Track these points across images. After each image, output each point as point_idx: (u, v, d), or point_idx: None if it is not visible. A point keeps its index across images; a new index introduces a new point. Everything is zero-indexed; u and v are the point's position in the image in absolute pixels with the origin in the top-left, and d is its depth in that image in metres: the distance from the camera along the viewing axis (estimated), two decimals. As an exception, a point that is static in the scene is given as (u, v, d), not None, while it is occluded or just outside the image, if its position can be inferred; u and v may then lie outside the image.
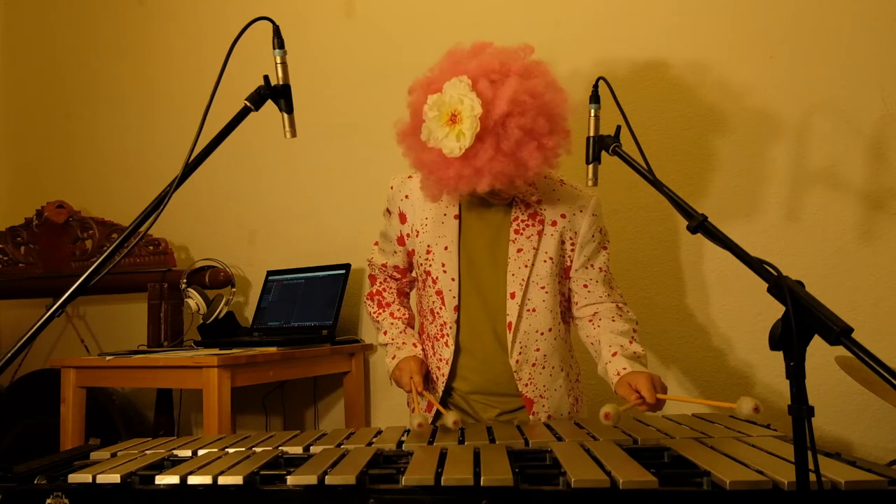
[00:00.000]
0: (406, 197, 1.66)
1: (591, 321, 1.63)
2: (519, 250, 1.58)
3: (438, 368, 1.63)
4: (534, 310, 1.58)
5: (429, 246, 1.62)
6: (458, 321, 1.60)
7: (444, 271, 1.60)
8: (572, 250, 1.61)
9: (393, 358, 1.66)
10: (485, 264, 1.60)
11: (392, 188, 1.69)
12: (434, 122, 1.39)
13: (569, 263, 1.62)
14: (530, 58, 1.46)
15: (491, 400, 1.63)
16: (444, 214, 1.62)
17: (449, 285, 1.60)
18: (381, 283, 1.81)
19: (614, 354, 1.52)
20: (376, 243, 1.81)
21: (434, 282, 1.61)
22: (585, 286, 1.63)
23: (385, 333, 1.73)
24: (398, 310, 1.76)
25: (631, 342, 1.55)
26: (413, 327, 1.77)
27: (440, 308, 1.61)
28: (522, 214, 1.59)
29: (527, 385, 1.59)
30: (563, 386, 1.63)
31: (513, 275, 1.57)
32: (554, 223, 1.59)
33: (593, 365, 1.63)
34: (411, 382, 1.56)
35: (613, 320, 1.60)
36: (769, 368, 2.04)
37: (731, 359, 2.10)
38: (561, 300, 1.63)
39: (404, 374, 1.60)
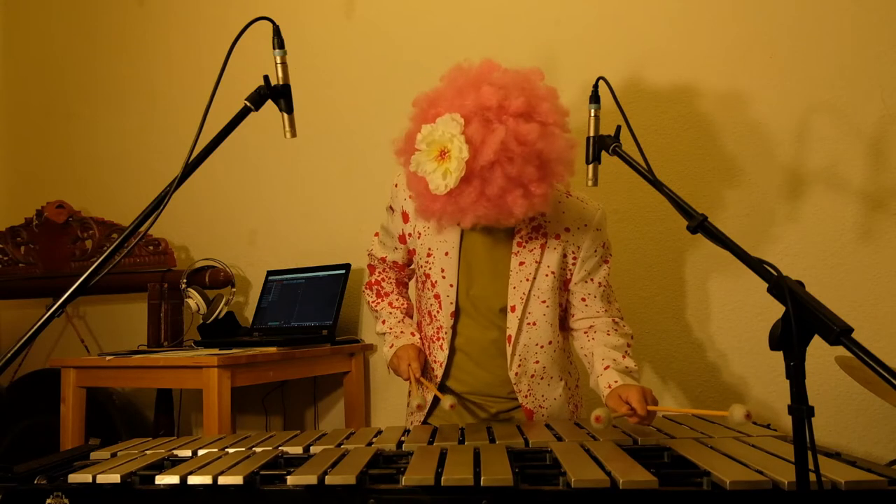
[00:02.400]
0: (410, 197, 1.64)
1: (586, 333, 1.62)
2: (521, 263, 1.56)
3: (433, 370, 1.63)
4: (534, 323, 1.57)
5: (430, 249, 1.62)
6: (453, 327, 1.60)
7: (444, 276, 1.60)
8: (573, 264, 1.59)
9: (391, 346, 1.66)
10: (484, 272, 1.59)
11: (396, 186, 1.68)
12: (423, 156, 1.39)
13: (569, 276, 1.61)
14: (538, 86, 1.43)
15: (487, 400, 1.63)
16: None
17: (447, 291, 1.59)
18: (379, 272, 1.81)
19: (606, 368, 1.50)
20: (377, 234, 1.80)
21: (433, 285, 1.61)
22: (584, 300, 1.62)
23: (383, 322, 1.73)
24: (397, 299, 1.76)
25: (624, 357, 1.54)
26: (411, 317, 1.77)
27: (437, 311, 1.61)
28: (526, 227, 1.57)
29: (526, 396, 1.59)
30: (562, 395, 1.63)
31: (514, 288, 1.56)
32: (557, 237, 1.57)
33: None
34: (409, 370, 1.56)
35: (608, 334, 1.59)
36: (769, 368, 2.04)
37: (731, 359, 2.09)
38: (560, 311, 1.63)
39: (402, 361, 1.60)
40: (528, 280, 1.56)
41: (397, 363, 1.62)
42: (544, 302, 1.57)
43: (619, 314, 1.65)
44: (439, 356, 1.61)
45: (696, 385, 2.13)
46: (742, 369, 2.08)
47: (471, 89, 1.40)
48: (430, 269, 1.62)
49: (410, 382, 1.59)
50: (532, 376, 1.59)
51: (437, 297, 1.61)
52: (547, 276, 1.57)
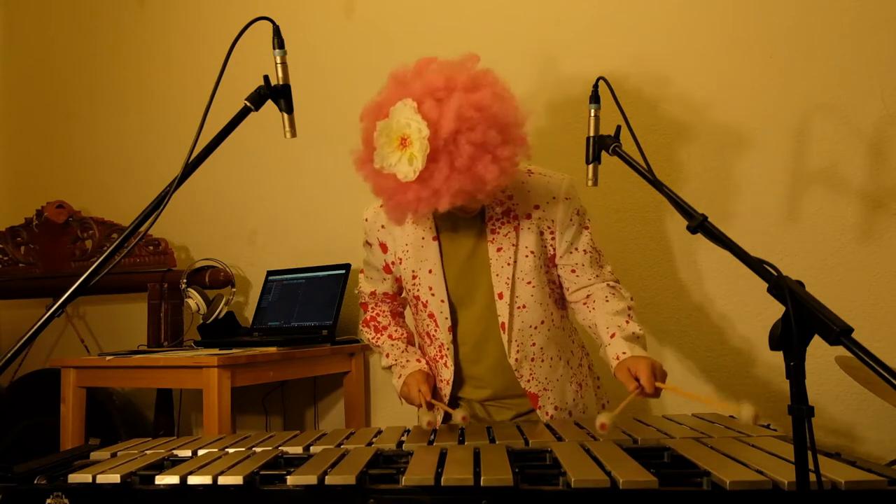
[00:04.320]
0: (383, 227, 1.64)
1: (585, 304, 1.60)
2: (499, 249, 1.57)
3: (440, 389, 1.63)
4: (524, 306, 1.57)
5: (413, 271, 1.61)
6: (454, 341, 1.60)
7: (433, 294, 1.59)
8: (553, 238, 1.59)
9: (399, 377, 1.65)
10: (472, 274, 1.59)
11: (367, 220, 1.67)
12: (385, 149, 1.37)
13: (552, 252, 1.60)
14: (476, 68, 1.44)
15: (506, 403, 1.63)
16: (423, 238, 1.60)
17: (439, 307, 1.59)
18: (373, 308, 1.80)
19: (612, 336, 1.49)
20: (362, 271, 1.79)
21: (425, 305, 1.61)
22: (573, 271, 1.60)
23: (387, 356, 1.72)
24: (396, 331, 1.76)
25: (628, 321, 1.53)
26: (414, 345, 1.77)
27: (435, 330, 1.61)
28: (496, 213, 1.58)
29: (529, 381, 1.59)
30: (563, 375, 1.63)
31: (497, 275, 1.56)
32: (528, 216, 1.57)
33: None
34: (420, 395, 1.55)
35: (607, 300, 1.57)
36: (769, 368, 2.04)
37: (731, 359, 2.09)
38: (553, 288, 1.62)
39: (412, 388, 1.58)
40: (509, 264, 1.56)
41: (407, 391, 1.60)
42: (529, 283, 1.57)
43: (614, 277, 1.63)
44: (445, 374, 1.61)
45: (696, 385, 2.12)
46: (742, 369, 2.08)
47: (414, 78, 1.41)
48: (418, 290, 1.61)
49: (422, 407, 1.57)
50: (532, 359, 1.59)
51: (431, 316, 1.60)
52: (527, 256, 1.56)
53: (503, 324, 1.56)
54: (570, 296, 1.64)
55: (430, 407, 1.55)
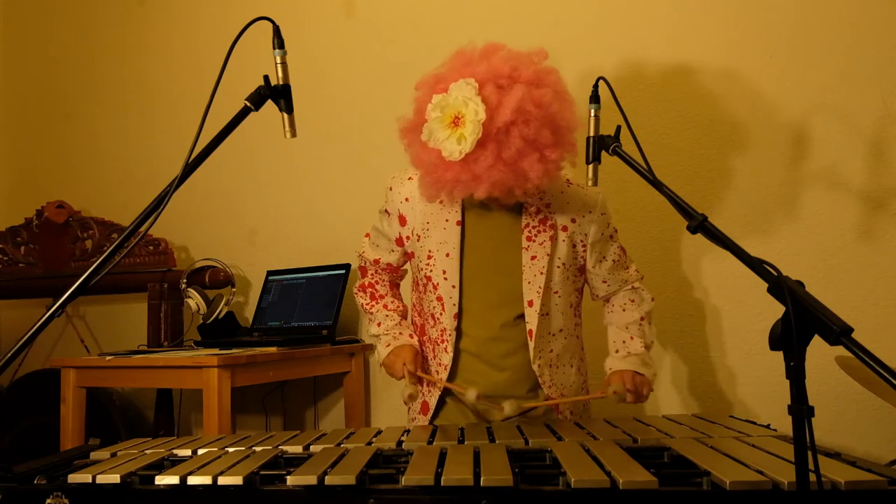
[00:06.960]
0: (406, 200, 1.63)
1: (605, 306, 1.73)
2: (533, 257, 1.56)
3: (437, 372, 1.63)
4: (547, 314, 1.58)
5: (430, 251, 1.60)
6: (457, 328, 1.59)
7: (445, 278, 1.58)
8: (584, 251, 1.61)
9: (387, 346, 1.66)
10: (492, 270, 1.58)
11: (391, 189, 1.66)
12: (436, 123, 1.36)
13: (582, 263, 1.63)
14: (542, 63, 1.44)
15: (499, 404, 1.62)
16: (447, 220, 1.59)
17: (449, 292, 1.58)
18: (372, 274, 1.80)
19: (616, 352, 1.63)
20: (367, 235, 1.79)
21: (435, 287, 1.59)
22: (604, 281, 1.66)
23: (379, 325, 1.72)
24: (392, 302, 1.76)
25: (633, 337, 1.63)
26: (407, 319, 1.77)
27: (440, 314, 1.60)
28: (533, 220, 1.57)
29: (550, 386, 1.59)
30: (576, 381, 1.66)
31: (529, 283, 1.55)
32: (565, 228, 1.58)
33: (593, 352, 1.74)
34: (404, 368, 1.57)
35: (624, 310, 1.66)
36: (769, 368, 2.04)
37: (731, 359, 2.09)
38: (577, 297, 1.66)
39: (398, 359, 1.60)
40: (541, 273, 1.55)
41: (393, 360, 1.62)
42: (557, 293, 1.58)
43: (639, 275, 1.70)
44: (444, 359, 1.60)
45: (695, 385, 2.13)
46: (742, 369, 2.08)
47: (481, 60, 1.40)
48: (430, 271, 1.60)
49: (406, 379, 1.56)
50: (550, 366, 1.60)
51: (439, 299, 1.59)
52: (558, 267, 1.57)
53: (531, 331, 1.56)
54: (597, 299, 1.72)
55: (415, 381, 1.57)
